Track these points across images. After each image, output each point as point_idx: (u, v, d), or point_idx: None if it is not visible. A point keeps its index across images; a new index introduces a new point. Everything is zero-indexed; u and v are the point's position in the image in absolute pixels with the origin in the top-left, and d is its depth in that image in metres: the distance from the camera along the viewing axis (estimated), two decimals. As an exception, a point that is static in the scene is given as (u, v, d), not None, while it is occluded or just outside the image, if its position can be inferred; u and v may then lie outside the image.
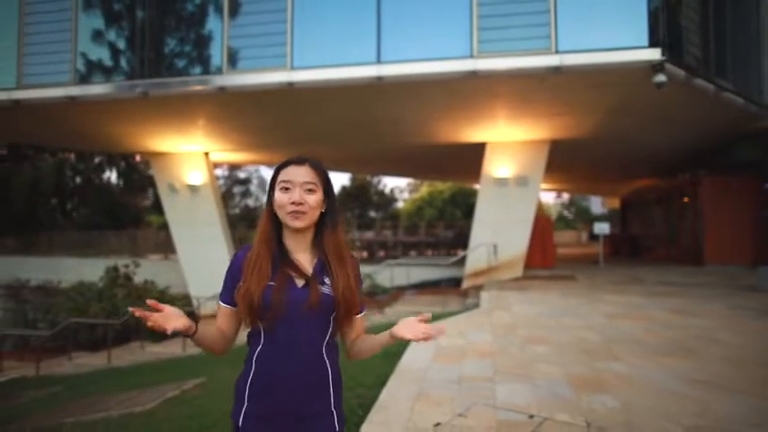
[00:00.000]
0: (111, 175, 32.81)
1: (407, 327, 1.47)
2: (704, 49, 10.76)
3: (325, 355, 1.52)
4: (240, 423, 1.48)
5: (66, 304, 14.50)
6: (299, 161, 1.55)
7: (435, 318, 7.55)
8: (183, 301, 13.79)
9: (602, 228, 15.27)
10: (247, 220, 37.88)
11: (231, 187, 39.44)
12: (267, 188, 1.59)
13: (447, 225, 21.22)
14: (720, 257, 13.53)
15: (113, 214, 29.69)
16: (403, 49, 9.38)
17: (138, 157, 27.16)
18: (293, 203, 1.48)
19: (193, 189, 13.88)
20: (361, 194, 39.04)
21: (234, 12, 10.13)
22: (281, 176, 1.52)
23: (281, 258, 1.51)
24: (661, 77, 8.67)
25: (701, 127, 12.63)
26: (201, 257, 14.01)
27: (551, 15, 8.97)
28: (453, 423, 3.44)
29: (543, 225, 13.59)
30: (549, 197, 59.57)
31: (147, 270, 15.50)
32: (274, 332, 1.47)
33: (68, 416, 6.08)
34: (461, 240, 16.21)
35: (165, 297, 14.14)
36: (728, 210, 13.91)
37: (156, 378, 7.91)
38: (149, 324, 1.32)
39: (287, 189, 1.50)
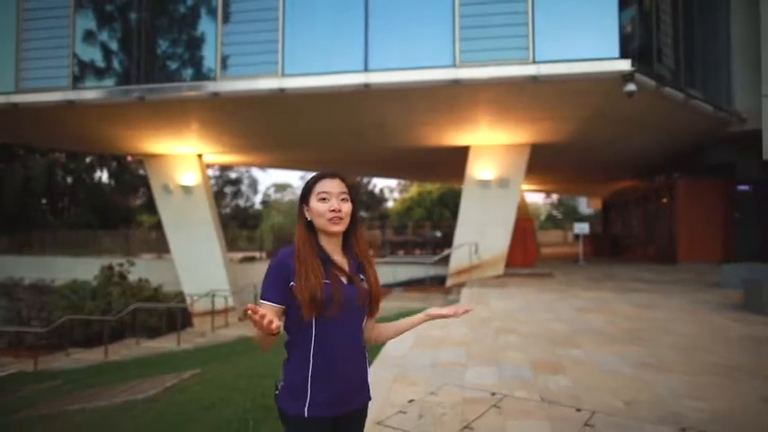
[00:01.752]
0: (103, 175, 32.99)
1: (440, 309, 1.84)
2: (674, 60, 11.36)
3: (362, 338, 1.77)
4: (306, 414, 1.61)
5: (61, 302, 14.82)
6: (332, 175, 1.74)
7: (419, 312, 8.05)
8: (177, 299, 14.17)
9: (581, 228, 15.87)
10: (238, 219, 38.19)
11: (222, 187, 39.68)
12: (300, 202, 1.77)
13: (434, 225, 21.72)
14: (692, 256, 14.18)
15: (104, 214, 29.90)
16: (389, 58, 9.86)
17: (129, 157, 27.38)
18: (333, 211, 1.67)
19: (187, 190, 14.28)
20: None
21: (227, 20, 10.55)
22: (318, 188, 1.70)
23: (327, 259, 1.70)
24: (631, 87, 9.24)
25: (674, 132, 13.25)
26: (195, 256, 14.40)
27: (529, 27, 9.48)
28: (425, 400, 3.94)
29: (524, 225, 14.15)
30: (538, 198, 60.40)
31: (141, 269, 15.86)
32: (328, 325, 1.64)
33: (73, 404, 6.50)
34: (448, 240, 16.73)
35: (158, 294, 14.55)
36: (700, 210, 14.57)
37: (153, 370, 8.32)
38: (258, 321, 1.41)
39: (325, 199, 1.69)
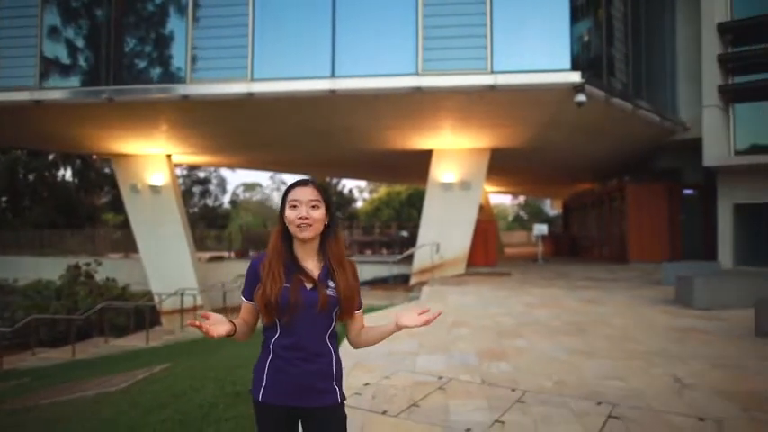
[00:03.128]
0: (66, 173, 32.38)
1: (409, 317, 1.83)
2: (623, 73, 12.14)
3: (328, 343, 1.80)
4: (260, 398, 1.75)
5: (25, 302, 14.70)
6: (304, 183, 1.80)
7: (380, 310, 8.50)
8: (145, 298, 14.27)
9: (540, 229, 16.62)
10: (207, 219, 37.97)
11: (191, 187, 39.34)
12: (279, 208, 1.84)
13: (400, 225, 22.25)
14: (642, 255, 15.07)
15: (69, 213, 29.38)
16: (355, 66, 10.28)
17: (94, 156, 27.02)
18: (300, 218, 1.73)
19: (155, 190, 14.40)
20: (319, 195, 39.59)
21: (197, 24, 10.78)
22: (290, 196, 1.77)
23: (295, 265, 1.77)
24: (581, 97, 9.90)
25: (624, 139, 14.07)
26: (163, 256, 14.53)
27: (488, 39, 10.05)
28: (379, 383, 4.38)
29: (486, 227, 14.79)
30: (506, 199, 61.73)
31: (108, 268, 15.87)
32: (289, 326, 1.73)
33: (44, 399, 6.69)
34: (414, 240, 17.22)
35: (126, 294, 14.62)
36: (649, 213, 15.48)
37: (122, 367, 8.48)
38: (203, 332, 1.58)
39: (295, 207, 1.75)
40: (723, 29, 13.02)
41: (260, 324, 1.85)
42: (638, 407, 3.73)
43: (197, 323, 1.60)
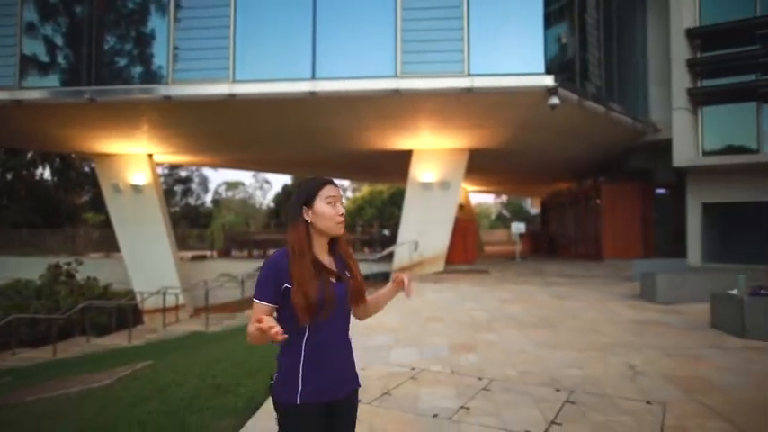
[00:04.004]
0: (45, 172, 32.01)
1: (402, 276, 1.97)
2: (596, 77, 12.55)
3: (349, 332, 1.86)
4: (299, 401, 1.71)
5: (5, 302, 14.61)
6: (332, 181, 1.84)
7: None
8: (127, 297, 14.31)
9: (518, 227, 17.01)
10: (189, 218, 37.81)
11: (172, 186, 39.11)
12: (299, 205, 1.79)
13: (381, 224, 22.52)
14: (616, 253, 15.54)
15: (48, 212, 29.05)
16: (335, 68, 10.51)
17: (73, 155, 26.78)
18: (341, 215, 1.79)
19: (137, 189, 14.45)
20: (302, 193, 39.70)
21: (179, 25, 10.90)
22: (326, 193, 1.78)
23: (317, 263, 1.77)
24: (554, 100, 10.24)
25: (598, 140, 14.51)
26: (145, 255, 14.59)
27: (465, 43, 10.35)
28: (355, 374, 4.62)
29: (465, 226, 15.12)
30: (489, 198, 62.42)
31: (89, 268, 15.84)
32: (323, 321, 1.73)
33: (28, 396, 6.80)
34: (396, 239, 17.51)
35: (108, 293, 14.64)
36: (622, 212, 15.97)
37: (105, 365, 8.58)
38: (272, 336, 1.52)
39: (334, 203, 1.78)
40: (691, 34, 13.51)
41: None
42: (593, 392, 4.03)
43: (265, 326, 1.51)
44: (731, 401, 3.76)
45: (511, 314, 7.37)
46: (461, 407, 3.78)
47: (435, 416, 3.62)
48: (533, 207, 44.94)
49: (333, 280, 1.78)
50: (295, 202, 1.81)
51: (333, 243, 1.86)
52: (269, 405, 2.12)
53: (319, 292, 1.69)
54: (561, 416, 3.57)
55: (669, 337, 5.87)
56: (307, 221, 1.78)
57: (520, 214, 52.34)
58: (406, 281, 1.95)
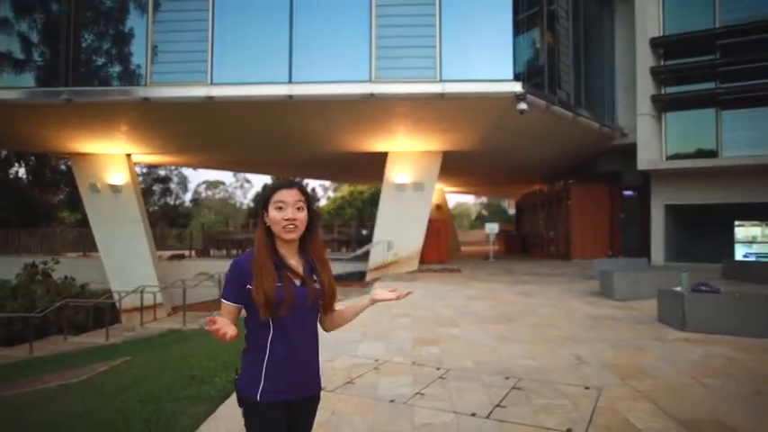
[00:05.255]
0: (20, 170, 31.58)
1: (383, 293, 2.00)
2: (565, 83, 13.05)
3: (316, 332, 1.92)
4: (259, 398, 1.76)
5: (-22, 302, 14.55)
6: (288, 185, 1.84)
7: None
8: (105, 296, 14.38)
9: (491, 228, 17.48)
10: (168, 218, 37.64)
11: (151, 185, 38.84)
12: (260, 208, 1.88)
13: (360, 224, 22.85)
14: (584, 253, 16.10)
15: (23, 211, 28.69)
16: (312, 72, 10.78)
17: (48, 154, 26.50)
18: (287, 220, 1.79)
19: (115, 189, 14.54)
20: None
21: (157, 28, 11.06)
22: (276, 197, 1.82)
23: (281, 264, 1.82)
24: (522, 105, 10.67)
25: (568, 144, 15.04)
26: (123, 255, 14.69)
27: (437, 50, 10.72)
28: (322, 365, 4.92)
29: (439, 226, 15.54)
30: (469, 199, 63.18)
31: (66, 267, 15.83)
32: (283, 322, 1.78)
33: (7, 391, 6.97)
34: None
35: (85, 292, 14.69)
36: (591, 213, 16.56)
37: (83, 362, 8.75)
38: (219, 335, 1.61)
39: (281, 208, 1.80)
40: (655, 43, 14.12)
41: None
42: (540, 380, 4.41)
43: (212, 327, 1.60)
44: (658, 386, 4.18)
45: (475, 310, 7.76)
46: (417, 393, 4.12)
47: (392, 401, 3.96)
48: (510, 208, 45.68)
49: (296, 282, 1.82)
50: (259, 206, 1.91)
51: (303, 247, 1.90)
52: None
53: (278, 291, 1.74)
54: (506, 400, 3.94)
55: (618, 330, 6.32)
56: (266, 224, 1.85)
57: (499, 215, 53.08)
58: (396, 296, 2.03)
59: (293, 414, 1.84)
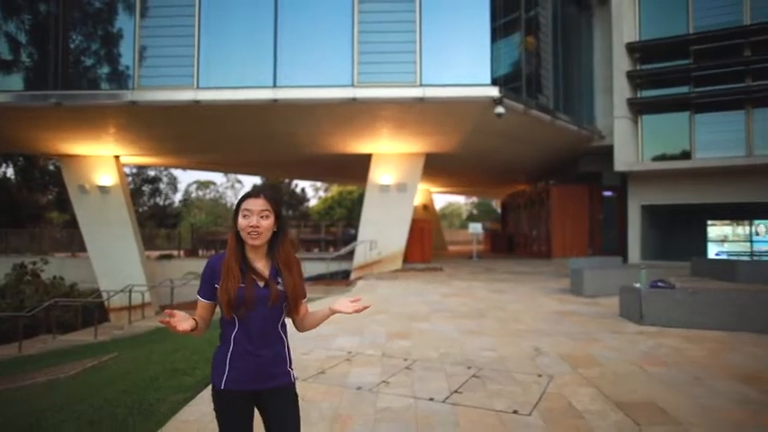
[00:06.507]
0: (8, 171, 31.59)
1: (342, 304, 2.11)
2: (543, 87, 13.45)
3: (280, 332, 2.02)
4: (222, 386, 1.92)
5: (-34, 301, 14.70)
6: (256, 194, 1.97)
7: (318, 300, 9.38)
8: (94, 296, 14.59)
9: (475, 228, 17.87)
10: (157, 218, 37.72)
11: (140, 186, 38.90)
12: (233, 215, 2.00)
13: (347, 224, 23.18)
14: (564, 252, 16.53)
15: (11, 211, 28.73)
16: (296, 76, 11.11)
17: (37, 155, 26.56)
18: (251, 227, 1.92)
19: (104, 190, 14.76)
20: (272, 193, 40.05)
21: (145, 33, 11.33)
22: (243, 206, 1.95)
23: (247, 266, 1.96)
24: (500, 109, 11.06)
25: (548, 146, 15.45)
26: (112, 255, 14.91)
27: (417, 55, 11.08)
28: (297, 358, 5.25)
29: (422, 226, 15.90)
30: (460, 199, 63.67)
31: (55, 267, 16.03)
32: (246, 319, 1.92)
33: (-4, 386, 7.20)
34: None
35: (74, 292, 14.89)
36: (571, 213, 16.98)
37: (71, 359, 8.98)
38: (171, 327, 1.78)
39: (246, 216, 1.93)
40: (632, 48, 14.56)
41: (216, 318, 2.04)
42: (498, 369, 4.76)
43: (165, 319, 1.77)
44: (604, 373, 4.55)
45: (448, 307, 8.11)
46: (382, 381, 4.46)
47: (359, 388, 4.29)
48: (498, 207, 46.20)
49: (260, 283, 1.94)
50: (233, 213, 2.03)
51: (272, 251, 2.02)
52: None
53: (239, 292, 1.88)
54: (464, 387, 4.28)
55: (580, 324, 6.69)
56: (237, 230, 1.97)
57: (489, 214, 53.57)
58: (354, 309, 2.11)
59: (265, 405, 1.98)
